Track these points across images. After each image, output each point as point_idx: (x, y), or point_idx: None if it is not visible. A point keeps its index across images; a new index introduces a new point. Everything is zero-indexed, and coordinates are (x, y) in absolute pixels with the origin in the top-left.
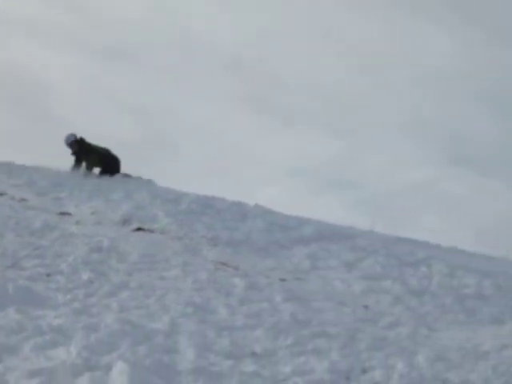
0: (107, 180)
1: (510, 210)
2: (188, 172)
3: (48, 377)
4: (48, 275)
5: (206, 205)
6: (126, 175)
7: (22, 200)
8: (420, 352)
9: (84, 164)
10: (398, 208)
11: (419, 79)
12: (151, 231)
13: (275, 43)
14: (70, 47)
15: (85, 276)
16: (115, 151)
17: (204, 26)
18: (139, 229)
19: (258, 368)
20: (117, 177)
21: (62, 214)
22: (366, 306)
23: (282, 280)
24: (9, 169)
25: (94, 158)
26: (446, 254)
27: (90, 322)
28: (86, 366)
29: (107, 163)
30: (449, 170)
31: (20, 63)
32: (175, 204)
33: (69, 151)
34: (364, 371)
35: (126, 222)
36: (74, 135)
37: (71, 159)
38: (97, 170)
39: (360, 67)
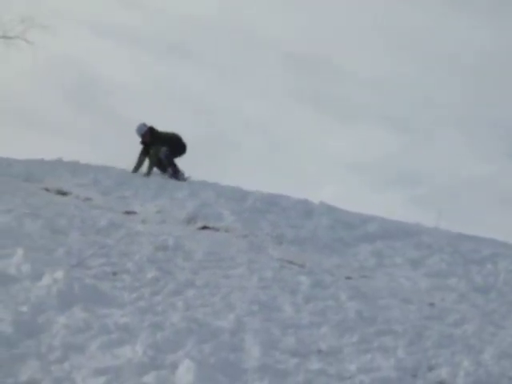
0: (172, 180)
1: None
2: (250, 170)
3: (114, 375)
4: (114, 274)
5: (271, 203)
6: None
7: (87, 199)
8: (486, 349)
9: (152, 152)
10: (463, 204)
11: (478, 72)
12: (216, 229)
13: (334, 38)
14: (134, 46)
15: (150, 274)
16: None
17: (265, 23)
18: (204, 227)
19: (324, 366)
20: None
21: (128, 212)
22: (431, 304)
23: (348, 278)
24: (74, 168)
25: (160, 143)
26: None
27: (155, 320)
28: (152, 364)
29: (175, 145)
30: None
31: (85, 61)
32: (240, 202)
33: (137, 140)
34: (430, 369)
35: (191, 220)
36: (145, 125)
37: (138, 148)
38: (163, 154)
39: (418, 60)
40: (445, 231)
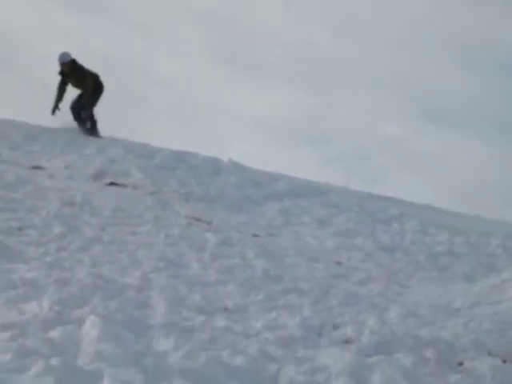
0: (81, 136)
1: (483, 167)
2: (161, 127)
3: (20, 330)
4: (20, 229)
5: (180, 160)
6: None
7: None
8: (391, 308)
9: (81, 90)
10: (372, 165)
11: (395, 39)
12: (124, 186)
13: None
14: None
15: (57, 230)
16: None
17: None
18: (112, 183)
19: (230, 323)
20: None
21: (35, 167)
22: (338, 262)
23: (255, 236)
24: None
25: (90, 82)
26: (419, 212)
27: (62, 276)
28: (58, 319)
29: (97, 85)
30: (422, 127)
31: None
32: (148, 159)
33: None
34: (335, 327)
35: (98, 176)
36: (69, 55)
37: (56, 80)
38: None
39: (336, 26)
40: (353, 191)
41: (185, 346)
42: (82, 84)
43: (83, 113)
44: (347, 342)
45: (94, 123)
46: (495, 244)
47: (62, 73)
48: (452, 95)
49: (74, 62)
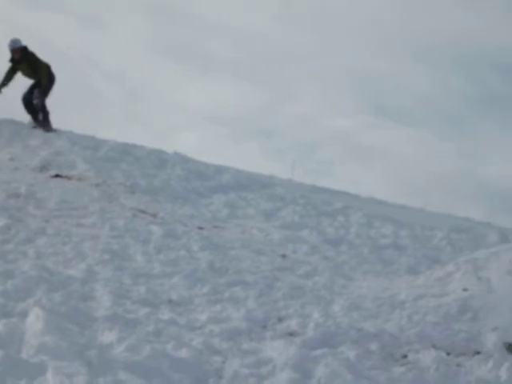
0: (26, 128)
1: (429, 160)
2: (108, 119)
3: None
4: None
5: (125, 152)
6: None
7: None
8: (336, 301)
9: (36, 78)
10: (319, 158)
11: (349, 34)
12: (69, 178)
13: None
14: None
15: (2, 222)
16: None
17: None
18: (57, 175)
19: (175, 315)
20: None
21: None
22: (283, 255)
23: (200, 228)
24: None
25: (44, 73)
26: (364, 204)
27: (6, 268)
28: (2, 312)
29: (50, 79)
30: (369, 120)
31: None
32: (94, 151)
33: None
34: (280, 320)
35: (44, 168)
36: (20, 41)
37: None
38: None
39: (284, 16)
40: (298, 183)
41: (129, 338)
42: (34, 74)
43: (36, 103)
44: (292, 334)
45: (46, 114)
46: (440, 237)
47: (12, 60)
48: (402, 90)
49: (25, 49)
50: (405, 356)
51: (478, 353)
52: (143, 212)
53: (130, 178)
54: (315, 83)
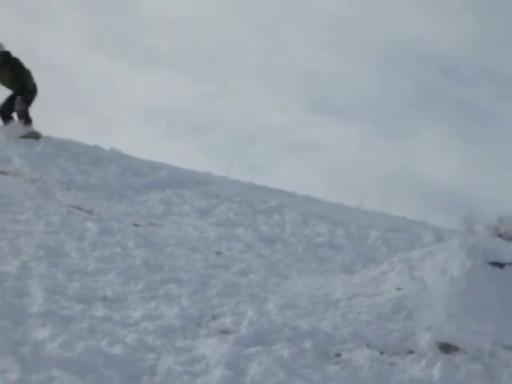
0: None
1: (365, 158)
2: (44, 114)
3: None
4: None
5: (62, 148)
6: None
7: None
8: (270, 299)
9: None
10: (255, 154)
11: (290, 31)
12: (4, 173)
13: None
14: None
15: None
16: None
17: None
18: None
19: (109, 312)
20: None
21: None
22: (218, 253)
23: (135, 225)
24: None
25: (31, 78)
26: (300, 203)
27: None
28: None
29: (31, 84)
30: (306, 116)
31: None
32: (30, 147)
33: None
34: (214, 317)
35: None
36: (2, 45)
37: None
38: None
39: (226, 10)
40: (234, 181)
41: (63, 334)
42: (14, 82)
43: (17, 109)
44: (226, 332)
45: (28, 122)
46: (375, 236)
47: None
48: (340, 88)
49: (7, 55)
50: (338, 355)
51: (412, 352)
52: (79, 208)
53: (66, 174)
54: (254, 79)
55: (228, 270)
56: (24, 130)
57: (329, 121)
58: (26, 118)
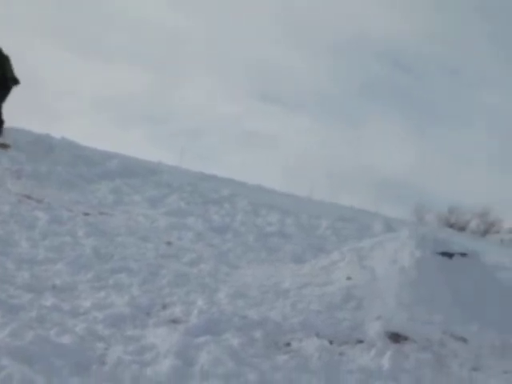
0: None
1: (316, 148)
2: None
3: None
4: None
5: (12, 137)
6: None
7: None
8: (221, 289)
9: None
10: (207, 144)
11: (239, 20)
12: None
13: None
14: None
15: None
16: None
17: None
18: None
19: (58, 302)
20: None
21: None
22: (168, 242)
23: (86, 214)
24: None
25: (10, 65)
26: (251, 192)
27: None
28: None
29: (4, 74)
30: (258, 107)
31: None
32: None
33: None
34: (164, 307)
35: None
36: None
37: None
38: None
39: (178, 2)
40: (186, 170)
41: (11, 324)
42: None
43: None
44: (176, 321)
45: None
46: (325, 226)
47: None
48: (291, 79)
49: None
50: (288, 344)
51: (361, 341)
52: (29, 197)
53: (16, 163)
54: (206, 70)
55: (178, 259)
56: None
57: (280, 111)
58: None
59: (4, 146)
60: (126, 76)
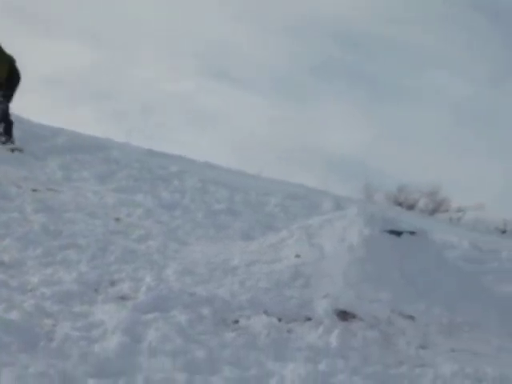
0: None
1: (266, 127)
2: None
3: None
4: None
5: None
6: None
7: None
8: (169, 265)
9: None
10: (156, 121)
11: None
12: None
13: None
14: None
15: None
16: None
17: None
18: None
19: (6, 278)
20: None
21: None
22: (117, 219)
23: (34, 190)
24: None
25: (5, 66)
26: (200, 169)
27: None
28: None
29: (12, 77)
30: (208, 85)
31: None
32: None
33: None
34: (112, 283)
35: None
36: None
37: None
38: None
39: None
40: (134, 147)
41: None
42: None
43: None
44: (123, 298)
45: (8, 125)
46: (274, 203)
47: None
48: (244, 57)
49: None
50: (236, 321)
51: (309, 319)
52: None
53: None
54: (153, 47)
55: (127, 236)
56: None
57: (230, 89)
58: (4, 120)
59: (18, 149)
60: (73, 52)
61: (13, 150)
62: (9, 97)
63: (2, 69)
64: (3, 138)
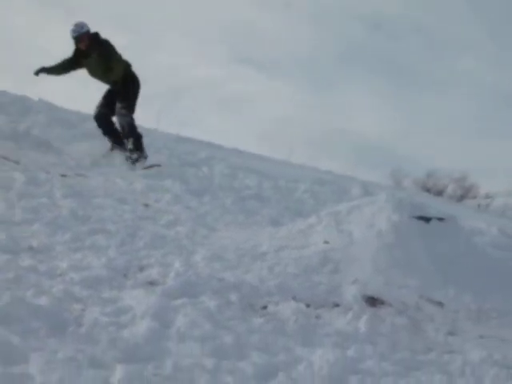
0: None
1: (296, 113)
2: None
3: None
4: None
5: None
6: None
7: None
8: (198, 251)
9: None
10: (183, 107)
11: None
12: None
13: None
14: None
15: None
16: None
17: None
18: None
19: (35, 263)
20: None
21: None
22: (146, 205)
23: (63, 176)
24: None
25: (121, 70)
26: (228, 155)
27: None
28: None
29: (131, 84)
30: (237, 70)
31: None
32: None
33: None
34: (141, 269)
35: None
36: (86, 26)
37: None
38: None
39: None
40: (163, 133)
41: None
42: (106, 72)
43: (121, 123)
44: (152, 283)
45: (137, 139)
46: (303, 189)
47: (76, 52)
48: (272, 43)
49: (95, 37)
50: (265, 307)
51: (338, 305)
52: (6, 158)
53: None
54: (184, 32)
55: (156, 221)
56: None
57: (258, 75)
58: (132, 134)
59: (155, 166)
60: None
61: (149, 168)
62: (131, 107)
63: (117, 71)
64: (135, 155)
